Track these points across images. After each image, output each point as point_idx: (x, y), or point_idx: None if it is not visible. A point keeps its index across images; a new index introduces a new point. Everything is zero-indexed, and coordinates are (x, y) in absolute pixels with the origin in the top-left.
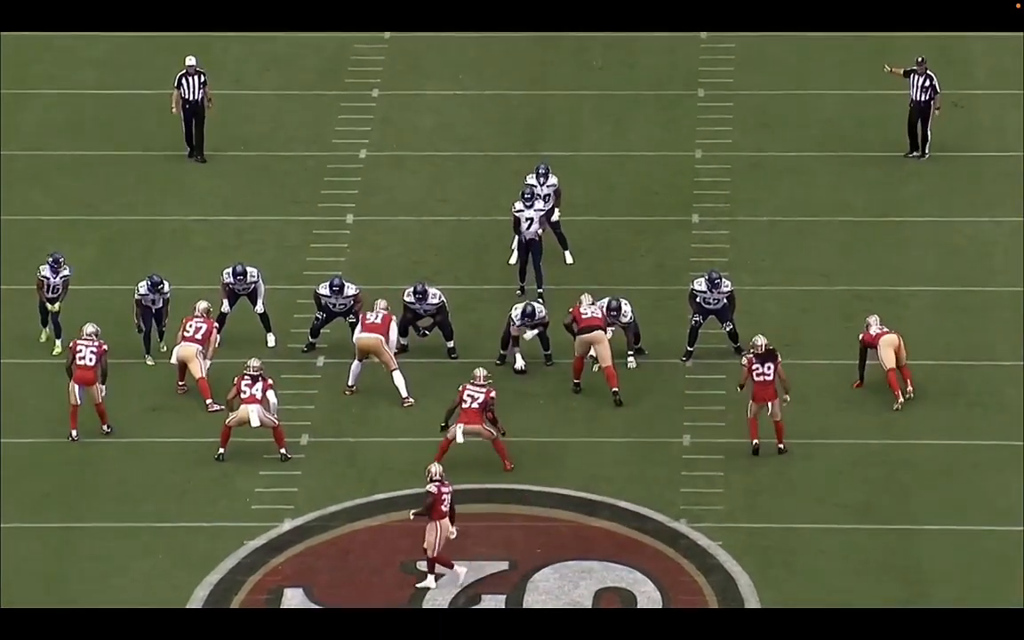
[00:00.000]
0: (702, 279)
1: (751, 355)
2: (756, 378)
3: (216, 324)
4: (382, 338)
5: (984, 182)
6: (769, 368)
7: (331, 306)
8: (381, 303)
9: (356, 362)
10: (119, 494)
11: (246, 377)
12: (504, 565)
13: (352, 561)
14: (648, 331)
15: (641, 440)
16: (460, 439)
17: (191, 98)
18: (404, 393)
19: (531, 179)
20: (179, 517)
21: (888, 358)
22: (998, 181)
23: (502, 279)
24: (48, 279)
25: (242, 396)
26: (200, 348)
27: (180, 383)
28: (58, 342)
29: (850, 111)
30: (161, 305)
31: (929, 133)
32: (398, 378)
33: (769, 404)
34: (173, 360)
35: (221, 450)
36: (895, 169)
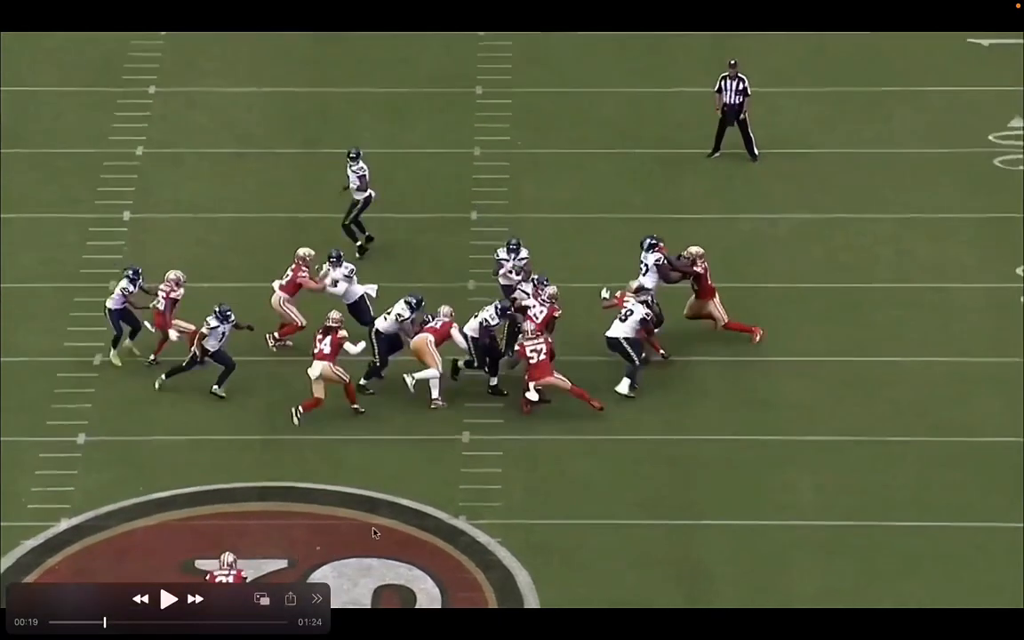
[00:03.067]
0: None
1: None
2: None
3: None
4: (430, 339)
5: (762, 180)
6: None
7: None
8: (444, 309)
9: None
10: None
11: (320, 331)
12: (283, 563)
13: (130, 560)
14: None
15: (421, 437)
16: (534, 396)
17: None
18: (435, 394)
19: (502, 253)
20: None
21: (723, 312)
22: (776, 179)
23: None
24: (130, 292)
25: (313, 352)
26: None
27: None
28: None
29: (628, 109)
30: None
31: (751, 133)
32: (435, 380)
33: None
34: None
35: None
36: (674, 166)
